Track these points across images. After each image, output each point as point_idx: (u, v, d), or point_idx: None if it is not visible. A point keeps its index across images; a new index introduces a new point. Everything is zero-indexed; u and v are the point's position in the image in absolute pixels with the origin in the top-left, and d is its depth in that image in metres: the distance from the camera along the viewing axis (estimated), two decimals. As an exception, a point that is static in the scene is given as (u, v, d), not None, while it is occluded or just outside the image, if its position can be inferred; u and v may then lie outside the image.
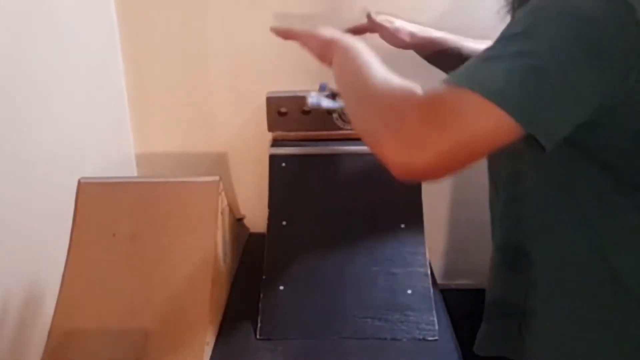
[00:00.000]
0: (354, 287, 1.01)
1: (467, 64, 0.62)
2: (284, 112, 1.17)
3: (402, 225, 1.07)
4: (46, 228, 1.04)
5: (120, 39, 1.30)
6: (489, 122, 0.57)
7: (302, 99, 1.17)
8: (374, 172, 1.13)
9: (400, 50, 1.14)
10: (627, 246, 0.68)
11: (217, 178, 1.01)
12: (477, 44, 1.01)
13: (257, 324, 0.99)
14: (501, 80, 0.57)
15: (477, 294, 0.89)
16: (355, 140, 1.17)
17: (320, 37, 0.84)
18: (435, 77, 1.15)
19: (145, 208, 1.00)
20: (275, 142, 1.18)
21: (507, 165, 0.80)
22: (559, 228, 0.72)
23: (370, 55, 0.74)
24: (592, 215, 0.69)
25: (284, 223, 1.09)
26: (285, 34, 0.93)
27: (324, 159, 1.15)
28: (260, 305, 1.01)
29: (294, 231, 1.08)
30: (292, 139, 1.18)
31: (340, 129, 1.18)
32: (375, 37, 1.10)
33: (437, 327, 0.97)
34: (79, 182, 1.01)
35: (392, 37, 1.08)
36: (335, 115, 1.17)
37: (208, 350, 0.92)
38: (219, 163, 1.40)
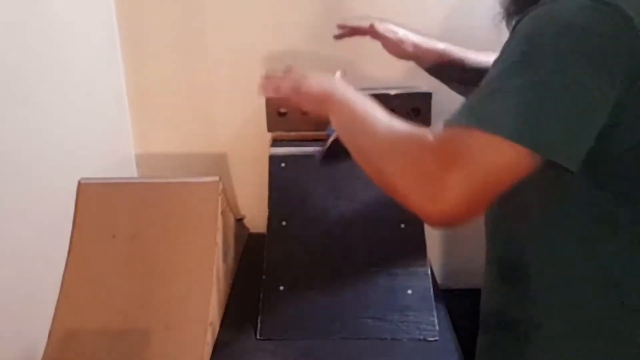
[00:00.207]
0: (354, 287, 1.01)
1: (471, 100, 0.62)
2: (284, 113, 1.17)
3: (402, 225, 1.07)
4: (46, 228, 1.04)
5: (120, 39, 1.30)
6: (508, 158, 0.57)
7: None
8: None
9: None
10: (627, 257, 0.68)
11: (217, 178, 1.01)
12: (480, 56, 0.99)
13: (257, 324, 0.99)
14: (510, 115, 0.56)
15: (478, 294, 0.88)
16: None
17: (311, 93, 0.81)
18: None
19: (145, 208, 1.00)
20: (275, 143, 1.18)
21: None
22: (556, 242, 0.71)
23: (366, 104, 0.73)
24: (591, 228, 0.68)
25: (284, 223, 1.09)
26: (273, 92, 0.89)
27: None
28: (260, 305, 1.01)
29: (294, 231, 1.08)
30: (292, 139, 1.18)
31: (340, 129, 1.17)
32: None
33: (437, 328, 0.97)
34: (79, 183, 1.01)
35: (395, 48, 1.07)
36: (335, 116, 1.17)
37: (208, 350, 0.92)
38: (218, 163, 1.40)
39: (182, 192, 1.01)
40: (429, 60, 1.05)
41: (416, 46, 1.05)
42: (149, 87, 1.35)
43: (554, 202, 0.62)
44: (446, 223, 0.59)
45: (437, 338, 0.95)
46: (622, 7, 0.57)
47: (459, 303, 0.95)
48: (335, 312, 1.00)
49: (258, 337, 0.98)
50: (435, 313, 0.98)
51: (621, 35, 0.57)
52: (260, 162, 1.20)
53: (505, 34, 0.74)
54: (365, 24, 1.11)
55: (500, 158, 0.56)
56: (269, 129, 1.19)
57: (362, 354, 0.93)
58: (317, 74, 0.83)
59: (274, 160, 1.15)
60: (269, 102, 1.17)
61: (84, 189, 1.01)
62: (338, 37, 1.17)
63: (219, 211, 1.00)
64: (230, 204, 1.09)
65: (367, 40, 1.26)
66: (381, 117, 0.69)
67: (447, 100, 1.20)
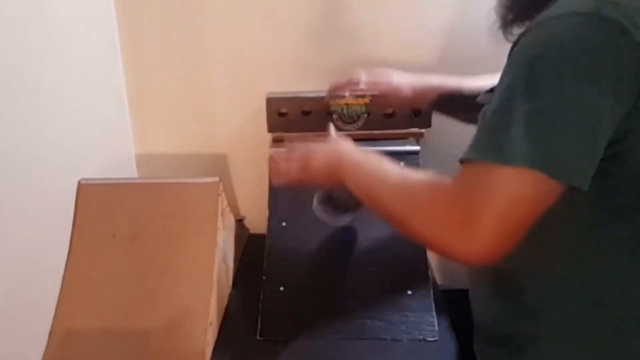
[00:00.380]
0: (354, 288, 1.01)
1: (481, 134, 0.62)
2: (284, 113, 1.17)
3: (402, 226, 1.07)
4: (46, 229, 1.04)
5: (120, 39, 1.30)
6: (530, 187, 0.57)
7: (302, 100, 1.17)
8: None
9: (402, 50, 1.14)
10: (624, 271, 0.68)
11: (217, 179, 1.01)
12: (477, 81, 0.98)
13: (257, 325, 0.99)
14: (524, 145, 0.57)
15: (477, 294, 0.88)
16: (356, 141, 1.17)
17: (321, 167, 0.81)
18: (443, 73, 1.15)
19: (145, 209, 1.00)
20: (275, 143, 1.18)
21: None
22: (553, 256, 0.71)
23: (375, 161, 0.75)
24: (588, 243, 0.68)
25: (284, 224, 1.09)
26: (285, 178, 0.87)
27: (324, 160, 1.15)
28: (260, 305, 1.01)
29: (294, 232, 1.08)
30: (292, 140, 1.18)
31: (340, 129, 1.18)
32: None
33: (437, 328, 0.97)
34: (79, 183, 1.01)
35: (396, 100, 1.05)
36: (335, 116, 1.17)
37: (208, 351, 0.92)
38: (219, 164, 1.40)
39: (182, 193, 1.01)
40: (429, 99, 1.04)
41: (414, 89, 1.03)
42: (149, 87, 1.35)
43: (551, 217, 0.62)
44: (485, 262, 0.59)
45: (436, 338, 0.95)
46: (620, 22, 0.57)
47: (459, 303, 0.95)
48: (335, 312, 1.00)
49: (258, 337, 0.98)
50: (435, 313, 0.98)
51: (622, 50, 0.57)
52: (260, 162, 1.20)
53: (504, 42, 0.74)
54: (353, 79, 1.07)
55: (522, 188, 0.57)
56: (269, 130, 1.19)
57: (362, 354, 0.93)
58: (319, 145, 0.83)
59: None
60: (269, 102, 1.17)
61: (84, 189, 1.01)
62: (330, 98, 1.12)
63: (219, 212, 1.00)
64: (230, 205, 1.09)
65: (368, 41, 1.26)
66: (393, 171, 0.71)
67: (447, 101, 1.20)
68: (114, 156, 1.35)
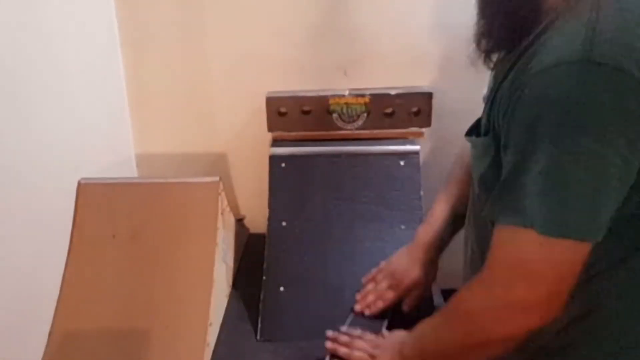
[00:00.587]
0: (354, 288, 1.01)
1: (501, 195, 0.63)
2: (284, 112, 1.17)
3: (402, 226, 1.07)
4: (46, 229, 1.04)
5: (120, 39, 1.30)
6: (567, 255, 0.59)
7: (302, 99, 1.17)
8: (373, 172, 1.13)
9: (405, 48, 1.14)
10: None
11: (217, 178, 1.01)
12: (453, 190, 0.95)
13: (257, 325, 0.99)
14: (543, 211, 0.58)
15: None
16: (355, 140, 1.17)
17: None
18: (443, 73, 1.15)
19: (145, 209, 1.00)
20: (275, 143, 1.18)
21: (474, 229, 0.81)
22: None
23: (429, 336, 0.76)
24: (602, 274, 0.67)
25: (284, 223, 1.09)
26: None
27: (324, 159, 1.15)
28: (260, 306, 1.01)
29: (294, 231, 1.08)
30: (292, 139, 1.18)
31: (340, 129, 1.18)
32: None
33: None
34: (79, 183, 1.01)
35: (422, 290, 0.95)
36: (335, 115, 1.17)
37: (208, 351, 0.92)
38: (219, 163, 1.40)
39: (182, 192, 1.01)
40: (441, 249, 0.96)
41: (424, 266, 0.93)
42: (149, 87, 1.34)
43: None
44: (548, 320, 0.62)
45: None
46: (617, 62, 0.54)
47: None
48: (336, 313, 0.99)
49: (258, 337, 0.98)
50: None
51: (624, 94, 0.54)
52: (260, 162, 1.20)
53: None
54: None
55: (560, 255, 0.59)
56: (269, 129, 1.19)
57: (362, 354, 0.93)
58: (384, 352, 0.81)
59: (274, 160, 1.15)
60: (269, 102, 1.17)
61: (84, 189, 1.01)
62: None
63: (219, 211, 1.00)
64: (230, 205, 1.09)
65: (367, 40, 1.26)
66: (444, 331, 0.73)
67: (447, 101, 1.20)
68: (114, 156, 1.34)
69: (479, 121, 0.75)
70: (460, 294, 0.70)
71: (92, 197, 1.01)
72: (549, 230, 0.58)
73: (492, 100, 0.68)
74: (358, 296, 0.96)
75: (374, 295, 0.95)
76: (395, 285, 0.94)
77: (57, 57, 1.09)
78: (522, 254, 0.61)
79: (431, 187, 1.08)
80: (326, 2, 1.25)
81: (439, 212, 0.95)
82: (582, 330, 0.69)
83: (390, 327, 0.89)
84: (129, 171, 1.39)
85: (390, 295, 0.93)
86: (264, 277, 1.04)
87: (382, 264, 0.98)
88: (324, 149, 1.16)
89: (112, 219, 1.00)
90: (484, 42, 0.71)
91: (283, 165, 1.14)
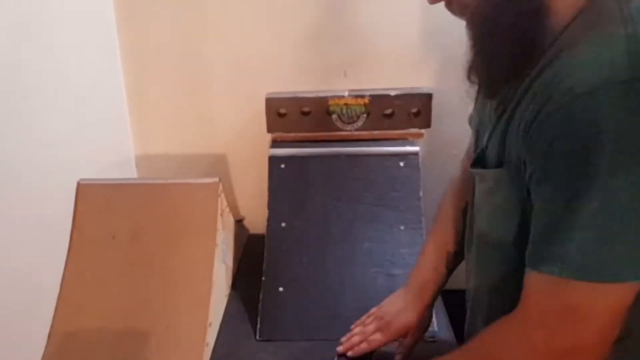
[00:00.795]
0: (354, 289, 1.01)
1: (542, 240, 0.57)
2: (284, 113, 1.18)
3: (402, 227, 1.08)
4: (46, 229, 1.04)
5: (119, 40, 1.30)
6: (611, 300, 0.54)
7: (301, 100, 1.17)
8: (373, 173, 1.13)
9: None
10: None
11: (216, 179, 1.01)
12: (445, 227, 0.89)
13: (256, 326, 0.99)
14: (596, 254, 0.52)
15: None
16: (355, 141, 1.17)
17: None
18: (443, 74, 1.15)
19: (144, 209, 1.00)
20: (275, 144, 1.18)
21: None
22: None
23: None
24: None
25: (284, 224, 1.09)
26: None
27: (324, 160, 1.15)
28: (260, 306, 1.01)
29: (294, 232, 1.08)
30: (292, 140, 1.18)
31: (339, 130, 1.18)
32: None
33: (436, 328, 0.97)
34: (78, 184, 1.01)
35: (412, 340, 0.89)
36: (334, 116, 1.17)
37: (207, 351, 0.92)
38: (218, 164, 1.40)
39: (182, 193, 1.01)
40: (438, 291, 0.89)
41: (417, 311, 0.87)
42: (149, 87, 1.35)
43: None
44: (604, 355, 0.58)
45: (435, 339, 0.95)
46: None
47: (458, 303, 0.94)
48: (335, 312, 1.00)
49: (258, 337, 0.98)
50: (434, 313, 0.98)
51: None
52: (260, 163, 1.20)
53: None
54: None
55: (604, 301, 0.54)
56: (269, 130, 1.19)
57: (361, 354, 0.93)
58: None
59: (273, 161, 1.15)
60: (269, 103, 1.17)
61: (83, 189, 1.01)
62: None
63: (219, 212, 1.00)
64: (230, 205, 1.09)
65: (367, 41, 1.26)
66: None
67: (447, 101, 1.20)
68: (114, 157, 1.35)
69: (482, 151, 0.70)
70: (486, 337, 0.65)
71: (91, 197, 1.01)
72: (605, 276, 0.52)
73: (504, 130, 0.63)
74: (343, 339, 0.89)
75: (359, 337, 0.87)
76: (385, 328, 0.86)
77: (57, 58, 1.09)
78: (568, 299, 0.55)
79: (431, 188, 1.08)
80: (326, 3, 1.25)
81: (432, 253, 0.88)
82: (613, 357, 0.65)
83: None
84: (129, 172, 1.39)
85: (378, 338, 0.86)
86: (264, 278, 1.04)
87: (373, 309, 0.91)
88: (324, 150, 1.16)
89: (112, 219, 1.00)
90: (484, 75, 0.64)
91: (282, 166, 1.14)
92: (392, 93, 1.16)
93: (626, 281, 0.53)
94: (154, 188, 1.03)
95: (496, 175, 0.65)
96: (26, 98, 1.00)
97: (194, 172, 1.36)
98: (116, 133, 1.36)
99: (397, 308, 0.87)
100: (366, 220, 1.09)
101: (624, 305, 0.55)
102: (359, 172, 1.13)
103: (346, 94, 1.16)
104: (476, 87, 0.67)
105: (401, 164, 1.13)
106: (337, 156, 1.15)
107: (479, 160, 0.70)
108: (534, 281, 0.58)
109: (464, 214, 0.83)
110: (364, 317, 0.91)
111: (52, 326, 0.92)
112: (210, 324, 0.93)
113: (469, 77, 0.65)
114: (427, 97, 1.16)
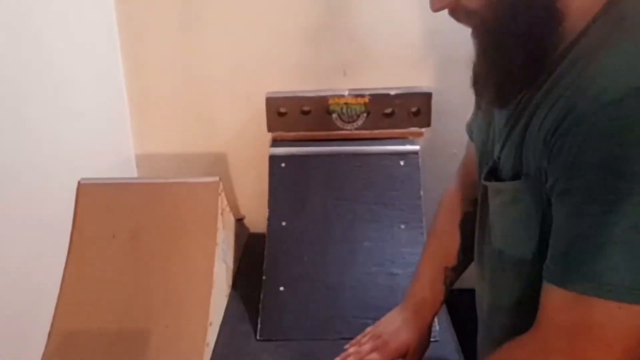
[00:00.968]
0: (354, 288, 1.01)
1: (566, 253, 0.54)
2: (284, 113, 1.17)
3: (402, 226, 1.07)
4: (46, 229, 1.04)
5: (120, 40, 1.30)
6: (638, 322, 0.51)
7: (301, 100, 1.17)
8: (373, 172, 1.13)
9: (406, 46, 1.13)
10: None
11: (217, 178, 1.01)
12: (433, 255, 0.87)
13: (257, 325, 0.99)
14: (627, 272, 0.49)
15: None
16: (355, 140, 1.17)
17: None
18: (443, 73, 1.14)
19: (145, 209, 1.00)
20: (275, 143, 1.18)
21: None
22: None
23: None
24: None
25: (284, 223, 1.09)
26: None
27: (324, 159, 1.15)
28: (260, 306, 1.01)
29: (294, 231, 1.08)
30: (292, 139, 1.18)
31: (339, 129, 1.18)
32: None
33: (437, 328, 0.96)
34: (79, 183, 1.01)
35: (422, 350, 0.86)
36: (334, 116, 1.17)
37: (208, 351, 0.92)
38: (218, 163, 1.40)
39: (182, 193, 1.01)
40: (444, 296, 0.86)
41: (415, 330, 0.83)
42: (149, 88, 1.35)
43: None
44: None
45: (437, 338, 0.95)
46: None
47: (459, 303, 0.94)
48: (336, 313, 1.00)
49: (258, 337, 0.98)
50: (435, 313, 0.98)
51: None
52: (260, 162, 1.20)
53: None
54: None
55: (631, 320, 0.51)
56: (269, 129, 1.19)
57: (362, 354, 0.93)
58: None
59: (274, 160, 1.15)
60: (269, 102, 1.17)
61: (84, 189, 1.01)
62: None
63: (219, 211, 1.00)
64: (230, 205, 1.09)
65: (367, 40, 1.26)
66: None
67: (447, 100, 1.20)
68: (114, 156, 1.35)
69: (494, 163, 0.67)
70: (500, 358, 0.62)
71: (92, 197, 1.01)
72: (634, 297, 0.49)
73: (520, 140, 0.60)
74: (337, 359, 0.85)
75: (354, 357, 0.83)
76: (382, 348, 0.82)
77: (57, 58, 1.09)
78: (593, 319, 0.52)
79: (431, 187, 1.08)
80: (326, 3, 1.25)
81: (427, 270, 0.86)
82: None
83: None
84: (129, 171, 1.39)
85: (375, 358, 0.81)
86: (264, 277, 1.04)
87: (368, 328, 0.88)
88: (324, 149, 1.16)
89: (112, 219, 1.00)
90: (496, 85, 0.61)
91: (283, 165, 1.14)
92: (392, 92, 1.15)
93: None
94: (154, 187, 1.03)
95: (514, 188, 0.62)
96: (26, 98, 1.00)
97: (194, 172, 1.35)
98: (116, 133, 1.36)
99: (395, 327, 0.84)
100: (366, 219, 1.09)
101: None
102: (359, 171, 1.13)
103: (346, 93, 1.16)
104: (480, 96, 0.65)
105: (401, 163, 1.13)
106: (338, 155, 1.15)
107: (492, 172, 0.67)
108: (556, 298, 0.55)
109: (463, 226, 0.82)
110: (359, 337, 0.87)
111: (52, 326, 0.92)
112: (210, 324, 0.93)
113: (474, 87, 0.63)
114: (427, 96, 1.15)
